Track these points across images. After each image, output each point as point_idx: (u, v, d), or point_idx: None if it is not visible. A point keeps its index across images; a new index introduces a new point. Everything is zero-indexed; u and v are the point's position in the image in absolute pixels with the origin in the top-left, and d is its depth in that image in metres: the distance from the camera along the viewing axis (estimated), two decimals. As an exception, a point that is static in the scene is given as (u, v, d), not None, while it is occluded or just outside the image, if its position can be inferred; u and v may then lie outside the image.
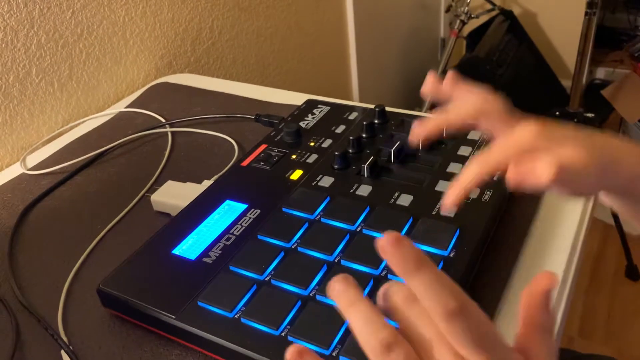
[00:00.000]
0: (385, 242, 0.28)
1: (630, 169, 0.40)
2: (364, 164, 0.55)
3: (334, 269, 0.45)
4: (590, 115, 1.68)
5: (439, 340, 0.29)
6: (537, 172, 0.36)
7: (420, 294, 0.28)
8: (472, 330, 0.27)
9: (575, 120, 1.69)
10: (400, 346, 0.28)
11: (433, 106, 1.85)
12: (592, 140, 0.39)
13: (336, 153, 0.57)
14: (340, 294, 0.31)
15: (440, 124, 0.42)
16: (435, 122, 0.42)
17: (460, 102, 0.42)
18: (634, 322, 1.45)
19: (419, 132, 0.42)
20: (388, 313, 0.31)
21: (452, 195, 0.38)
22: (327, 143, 0.61)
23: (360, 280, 0.43)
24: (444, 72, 1.86)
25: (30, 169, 0.70)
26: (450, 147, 0.58)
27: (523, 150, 0.38)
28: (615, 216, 1.59)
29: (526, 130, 0.38)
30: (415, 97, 2.02)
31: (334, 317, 0.40)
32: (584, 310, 1.49)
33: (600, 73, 2.30)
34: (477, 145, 0.57)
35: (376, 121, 0.63)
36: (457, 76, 0.45)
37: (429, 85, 0.45)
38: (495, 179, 0.51)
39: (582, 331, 1.44)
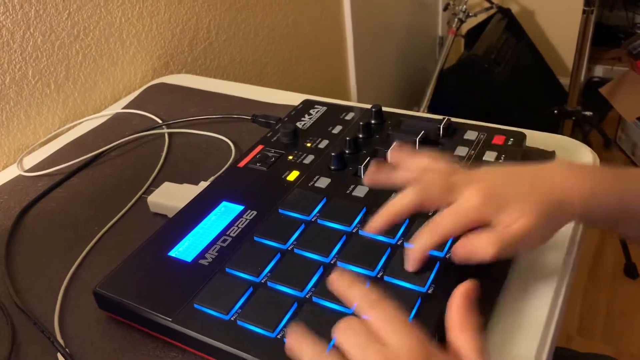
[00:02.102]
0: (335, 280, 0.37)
1: (582, 202, 0.41)
2: (361, 165, 0.55)
3: (330, 270, 0.45)
4: (588, 113, 1.67)
5: None
6: (480, 251, 0.40)
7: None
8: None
9: (574, 118, 1.69)
10: None
11: (431, 105, 1.85)
12: (537, 190, 0.41)
13: (333, 154, 0.56)
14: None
15: (388, 219, 0.44)
16: (384, 219, 0.44)
17: (403, 189, 0.44)
18: (633, 320, 1.45)
19: (373, 230, 0.45)
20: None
21: (411, 262, 0.43)
22: (323, 144, 0.61)
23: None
24: (442, 71, 1.86)
25: (27, 171, 0.70)
26: (446, 147, 0.58)
27: (469, 220, 0.41)
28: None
29: (467, 203, 0.41)
30: (413, 95, 2.02)
31: (330, 320, 0.40)
32: (583, 309, 1.49)
33: (599, 71, 2.30)
34: (473, 145, 0.57)
35: (373, 121, 0.63)
36: (398, 151, 0.48)
37: (370, 176, 0.48)
38: None
39: (581, 329, 1.44)
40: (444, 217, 0.41)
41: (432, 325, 0.39)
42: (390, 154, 0.48)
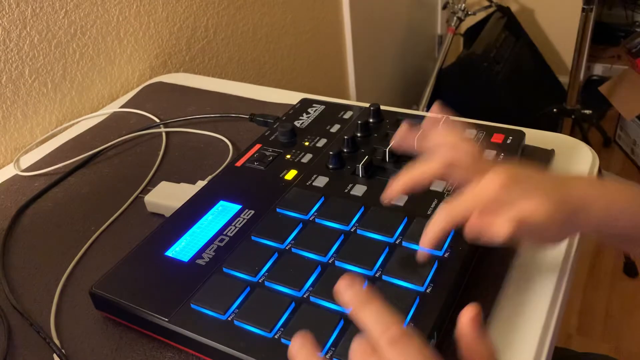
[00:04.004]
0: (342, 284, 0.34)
1: (598, 214, 0.41)
2: (359, 164, 0.54)
3: (328, 270, 0.44)
4: (587, 111, 1.67)
5: None
6: (495, 228, 0.39)
7: (367, 324, 0.32)
8: (413, 354, 0.30)
9: (573, 116, 1.68)
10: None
11: (431, 104, 1.84)
12: (558, 190, 0.41)
13: (331, 153, 0.56)
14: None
15: (409, 182, 0.43)
16: (405, 182, 0.43)
17: (429, 155, 0.43)
18: (632, 318, 1.45)
19: (390, 195, 0.44)
20: None
21: (428, 237, 0.41)
22: (321, 142, 0.61)
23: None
24: (441, 69, 1.86)
25: (24, 170, 0.69)
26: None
27: (487, 203, 0.40)
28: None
29: (491, 182, 0.40)
30: (412, 94, 2.02)
31: (327, 319, 0.40)
32: (582, 307, 1.49)
33: (598, 69, 2.30)
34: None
35: (371, 120, 0.62)
36: (432, 120, 0.47)
37: (399, 139, 0.47)
38: None
39: (580, 328, 1.44)
40: (461, 197, 0.40)
41: (430, 324, 0.39)
42: (424, 123, 0.47)
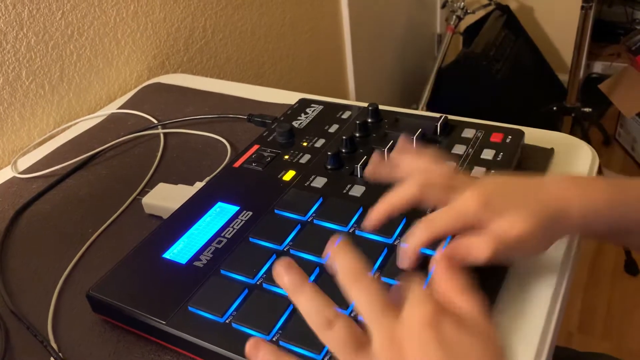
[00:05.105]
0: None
1: (579, 212, 0.41)
2: (357, 164, 0.54)
3: (326, 271, 0.44)
4: (587, 109, 1.67)
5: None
6: (475, 251, 0.39)
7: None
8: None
9: (573, 115, 1.68)
10: (341, 321, 0.33)
11: (430, 103, 1.84)
12: (534, 198, 0.41)
13: (329, 153, 0.56)
14: (287, 280, 0.35)
15: (388, 209, 0.44)
16: (384, 209, 0.44)
17: (403, 182, 0.44)
18: (633, 317, 1.45)
19: (370, 223, 0.45)
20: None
21: (404, 261, 0.42)
22: (320, 143, 0.60)
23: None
24: (440, 68, 1.86)
25: (21, 173, 0.69)
26: (444, 145, 0.57)
27: (465, 222, 0.40)
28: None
29: (468, 201, 0.40)
30: (412, 93, 2.01)
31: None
32: (583, 306, 1.49)
33: (598, 67, 2.29)
34: (471, 143, 0.56)
35: (369, 120, 0.62)
36: (404, 145, 0.48)
37: (371, 169, 0.49)
38: None
39: (581, 327, 1.44)
40: (440, 214, 0.41)
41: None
42: (394, 152, 0.48)
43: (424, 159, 0.46)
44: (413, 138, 0.56)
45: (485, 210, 0.40)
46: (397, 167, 0.46)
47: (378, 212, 0.44)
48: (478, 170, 0.53)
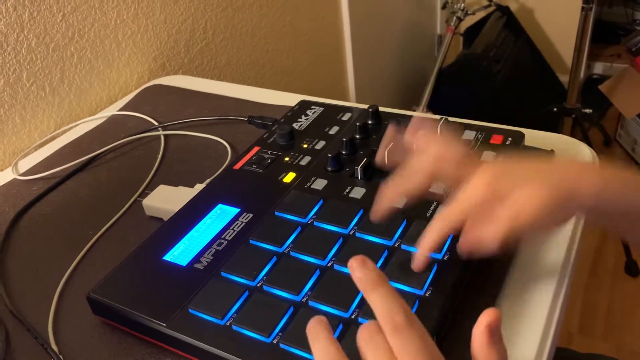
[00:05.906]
0: (354, 263, 0.35)
1: (591, 191, 0.40)
2: (358, 166, 0.54)
3: (327, 273, 0.44)
4: (588, 110, 1.67)
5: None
6: (486, 243, 0.39)
7: (375, 308, 0.33)
8: (414, 344, 0.31)
9: (573, 116, 1.68)
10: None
11: (431, 104, 1.84)
12: (551, 174, 0.40)
13: (329, 155, 0.56)
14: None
15: (397, 196, 0.44)
16: (392, 196, 0.44)
17: (415, 163, 0.43)
18: (634, 317, 1.45)
19: (378, 213, 0.45)
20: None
21: (421, 259, 0.42)
22: (320, 145, 0.60)
23: (353, 285, 0.42)
24: (440, 69, 1.86)
25: (22, 174, 0.69)
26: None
27: (477, 206, 0.40)
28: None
29: (478, 183, 0.40)
30: (412, 95, 2.01)
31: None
32: (584, 307, 1.49)
33: (598, 68, 2.30)
34: (471, 145, 0.56)
35: (370, 122, 0.62)
36: (418, 124, 0.47)
37: (382, 153, 0.48)
38: None
39: (582, 327, 1.44)
40: (456, 199, 0.40)
41: (430, 328, 0.39)
42: (406, 133, 0.47)
43: (438, 136, 0.45)
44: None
45: (495, 190, 0.39)
46: (410, 149, 0.45)
47: (394, 188, 0.43)
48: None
